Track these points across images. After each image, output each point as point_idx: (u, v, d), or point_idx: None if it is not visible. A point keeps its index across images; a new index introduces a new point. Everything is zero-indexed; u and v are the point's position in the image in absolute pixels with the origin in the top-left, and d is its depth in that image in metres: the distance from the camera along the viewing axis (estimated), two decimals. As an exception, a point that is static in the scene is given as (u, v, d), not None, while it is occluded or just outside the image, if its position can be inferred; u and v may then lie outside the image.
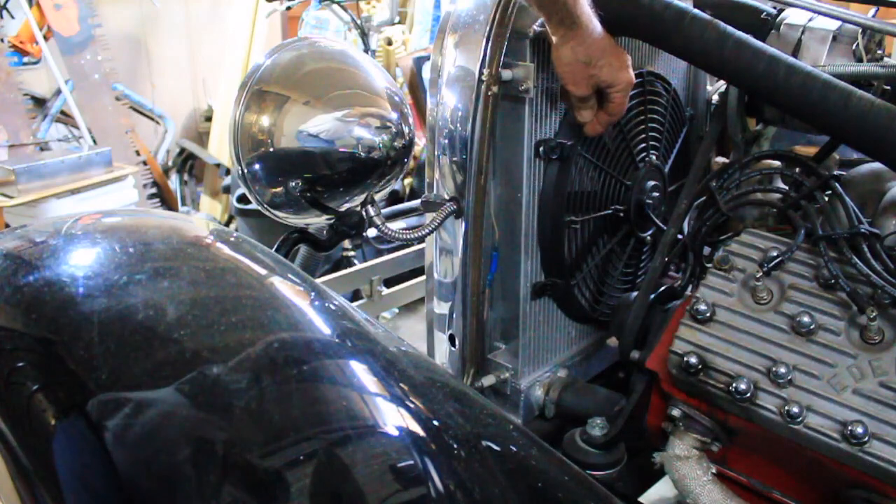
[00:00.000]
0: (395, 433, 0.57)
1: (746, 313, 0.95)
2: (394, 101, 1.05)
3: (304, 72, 1.03)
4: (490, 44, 1.07)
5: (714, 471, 1.00)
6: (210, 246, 0.76)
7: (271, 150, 0.99)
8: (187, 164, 4.76)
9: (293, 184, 1.01)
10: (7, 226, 2.75)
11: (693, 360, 0.94)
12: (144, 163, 3.82)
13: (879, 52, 1.13)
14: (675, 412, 1.01)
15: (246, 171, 1.02)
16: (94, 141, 3.64)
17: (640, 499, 1.14)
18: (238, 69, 4.57)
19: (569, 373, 1.27)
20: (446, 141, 1.13)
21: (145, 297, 0.64)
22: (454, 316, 1.20)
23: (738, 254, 0.99)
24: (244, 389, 0.57)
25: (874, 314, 0.87)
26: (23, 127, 3.33)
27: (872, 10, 1.43)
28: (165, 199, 4.03)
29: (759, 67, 0.94)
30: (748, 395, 0.90)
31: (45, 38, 3.62)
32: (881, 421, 0.84)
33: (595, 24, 0.99)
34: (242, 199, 3.46)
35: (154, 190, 3.91)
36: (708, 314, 0.96)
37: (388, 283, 2.35)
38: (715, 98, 1.33)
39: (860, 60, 1.10)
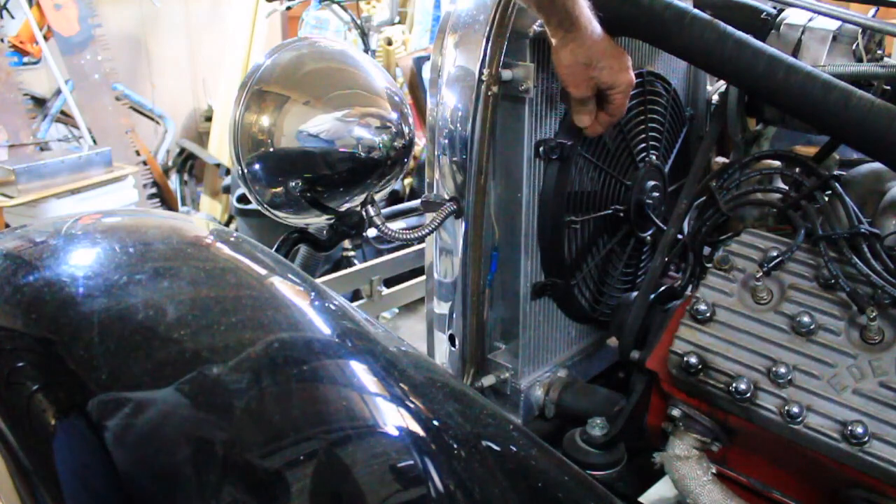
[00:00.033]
0: (395, 433, 0.57)
1: (746, 313, 0.95)
2: (394, 101, 1.05)
3: (304, 72, 1.03)
4: (490, 44, 1.07)
5: (714, 471, 1.00)
6: (210, 246, 0.76)
7: (271, 150, 0.99)
8: (187, 164, 4.76)
9: (293, 184, 1.01)
10: (7, 226, 2.75)
11: (693, 360, 0.94)
12: (144, 163, 3.82)
13: (879, 52, 1.13)
14: (675, 412, 1.01)
15: (246, 171, 1.02)
16: (94, 141, 3.64)
17: (640, 499, 1.14)
18: (238, 69, 4.57)
19: (569, 373, 1.27)
20: (446, 141, 1.13)
21: (145, 298, 0.64)
22: (454, 316, 1.20)
23: (738, 254, 0.99)
24: (244, 389, 0.57)
25: (874, 314, 0.87)
26: (23, 127, 3.33)
27: (872, 10, 1.43)
28: (165, 199, 4.03)
29: (759, 67, 0.94)
30: (748, 395, 0.90)
31: (45, 38, 3.62)
32: (881, 421, 0.84)
33: (594, 26, 0.99)
34: (242, 199, 3.46)
35: (154, 190, 3.91)
36: (708, 314, 0.96)
37: (388, 283, 2.35)
38: (715, 98, 1.33)
39: (860, 60, 1.10)
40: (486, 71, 1.07)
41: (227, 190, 4.21)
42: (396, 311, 3.05)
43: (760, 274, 0.94)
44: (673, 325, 1.00)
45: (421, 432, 0.58)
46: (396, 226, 1.25)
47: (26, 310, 0.64)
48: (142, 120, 4.36)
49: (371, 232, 1.13)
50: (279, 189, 1.03)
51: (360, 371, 0.62)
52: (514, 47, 1.08)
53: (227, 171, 4.36)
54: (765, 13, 1.15)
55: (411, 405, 0.60)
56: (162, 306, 0.63)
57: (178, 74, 4.95)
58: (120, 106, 3.84)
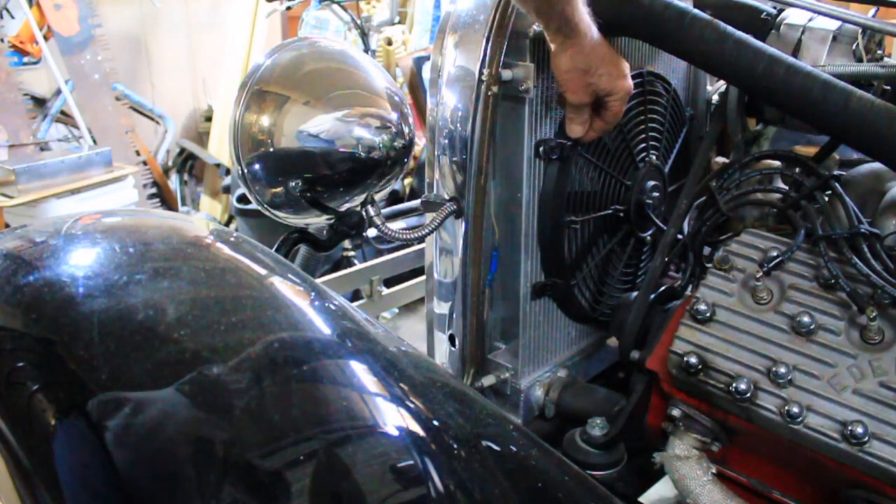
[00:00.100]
0: (395, 433, 0.57)
1: (746, 313, 0.95)
2: (394, 101, 1.05)
3: (304, 72, 1.03)
4: (490, 44, 1.07)
5: (714, 471, 1.00)
6: (210, 246, 0.76)
7: (271, 150, 0.99)
8: (187, 164, 4.76)
9: (293, 184, 1.01)
10: (7, 226, 2.75)
11: (693, 360, 0.94)
12: (144, 163, 3.82)
13: (879, 52, 1.13)
14: (675, 412, 1.01)
15: (246, 171, 1.02)
16: (94, 141, 3.64)
17: (640, 499, 1.14)
18: (238, 69, 4.57)
19: (569, 373, 1.27)
20: (446, 141, 1.13)
21: (145, 298, 0.64)
22: (454, 316, 1.20)
23: (738, 254, 0.99)
24: (244, 389, 0.57)
25: (874, 314, 0.87)
26: (23, 127, 3.33)
27: (872, 10, 1.43)
28: (165, 199, 4.03)
29: (759, 67, 0.94)
30: (748, 395, 0.90)
31: (45, 38, 3.62)
32: (881, 421, 0.84)
33: (594, 32, 0.99)
34: (242, 199, 3.46)
35: (154, 190, 3.92)
36: (708, 314, 0.96)
37: (388, 283, 2.35)
38: (715, 98, 1.33)
39: (860, 60, 1.10)
40: (486, 71, 1.07)
41: (227, 190, 4.21)
42: (396, 311, 3.05)
43: (760, 274, 0.94)
44: (673, 325, 1.00)
45: (421, 432, 0.58)
46: (396, 226, 1.25)
47: (26, 310, 0.64)
48: (142, 120, 4.37)
49: (371, 232, 1.13)
50: (279, 189, 1.03)
51: (360, 371, 0.62)
52: (514, 47, 1.08)
53: (227, 171, 4.36)
54: (765, 13, 1.15)
55: (411, 405, 0.60)
56: (162, 306, 0.63)
57: (178, 74, 4.95)
58: (120, 106, 3.84)
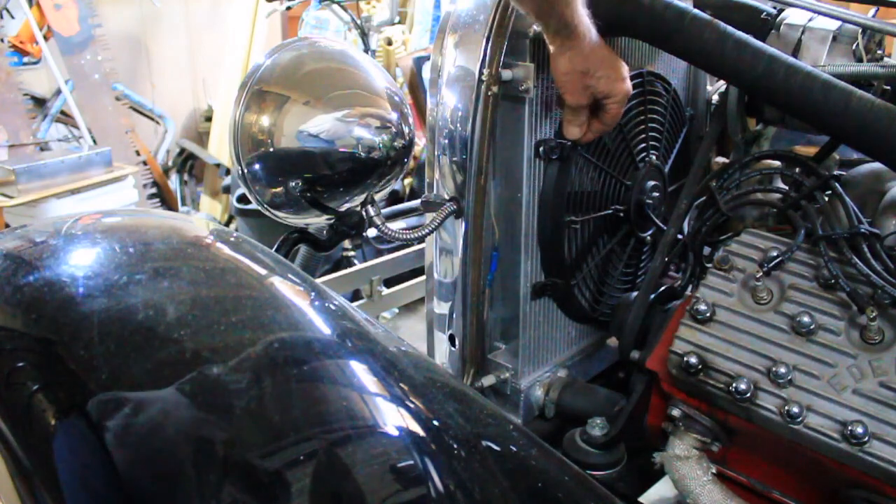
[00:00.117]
0: (395, 433, 0.57)
1: (746, 313, 0.95)
2: (394, 101, 1.05)
3: (304, 72, 1.03)
4: (490, 44, 1.07)
5: (714, 471, 1.00)
6: (210, 246, 0.76)
7: (271, 150, 0.99)
8: (187, 164, 4.76)
9: (293, 184, 1.01)
10: (7, 226, 2.75)
11: (693, 360, 0.94)
12: (144, 163, 3.82)
13: (879, 52, 1.13)
14: (675, 412, 1.01)
15: (246, 171, 1.02)
16: (94, 141, 3.64)
17: (640, 499, 1.14)
18: (238, 69, 4.57)
19: (569, 373, 1.27)
20: (446, 141, 1.13)
21: (145, 298, 0.64)
22: (454, 316, 1.20)
23: (738, 254, 0.99)
24: (244, 389, 0.57)
25: (874, 314, 0.87)
26: (23, 127, 3.33)
27: (872, 10, 1.43)
28: (165, 199, 4.03)
29: (759, 67, 0.94)
30: (748, 395, 0.90)
31: (45, 38, 3.62)
32: (881, 421, 0.84)
33: (593, 35, 0.99)
34: (242, 199, 3.46)
35: (154, 190, 3.92)
36: (708, 314, 0.96)
37: (388, 283, 2.35)
38: (715, 98, 1.33)
39: (860, 60, 1.10)
40: (486, 71, 1.07)
41: (227, 190, 4.21)
42: (396, 311, 3.05)
43: (760, 274, 0.94)
44: (673, 325, 1.00)
45: (421, 432, 0.58)
46: (396, 226, 1.25)
47: (26, 310, 0.64)
48: (142, 120, 4.37)
49: (371, 232, 1.13)
50: (279, 189, 1.03)
51: (360, 371, 0.62)
52: (514, 47, 1.08)
53: (227, 171, 4.35)
54: (765, 13, 1.15)
55: (411, 405, 0.60)
56: (162, 306, 0.63)
57: (178, 74, 4.95)
58: (120, 106, 3.84)
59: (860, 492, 0.89)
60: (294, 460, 0.54)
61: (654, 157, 1.29)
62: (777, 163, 1.11)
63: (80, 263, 0.69)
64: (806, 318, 0.91)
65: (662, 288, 1.14)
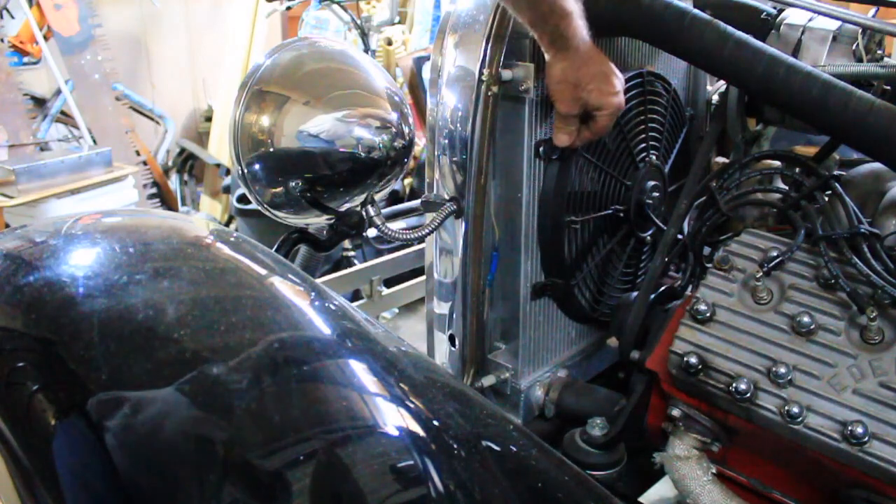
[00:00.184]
0: (396, 433, 0.57)
1: (746, 313, 0.95)
2: (394, 101, 1.05)
3: (304, 72, 1.03)
4: (490, 44, 1.07)
5: (714, 471, 1.00)
6: (210, 246, 0.76)
7: (271, 150, 0.99)
8: (187, 164, 4.76)
9: (293, 184, 1.01)
10: (7, 226, 2.75)
11: (693, 360, 0.94)
12: (144, 163, 3.82)
13: (879, 52, 1.13)
14: (675, 412, 1.01)
15: (246, 171, 1.02)
16: (94, 141, 3.64)
17: (640, 499, 1.14)
18: (238, 69, 4.57)
19: (569, 373, 1.27)
20: (446, 141, 1.13)
21: (145, 298, 0.64)
22: (454, 316, 1.20)
23: (738, 254, 0.99)
24: (244, 390, 0.57)
25: (874, 314, 0.87)
26: (23, 127, 3.32)
27: (872, 10, 1.43)
28: (165, 199, 4.03)
29: (759, 67, 0.94)
30: (748, 395, 0.90)
31: (45, 38, 3.62)
32: (881, 421, 0.84)
33: (588, 47, 0.99)
34: (242, 199, 3.46)
35: (154, 190, 3.91)
36: (708, 314, 0.96)
37: (388, 283, 2.35)
38: (715, 98, 1.33)
39: (860, 60, 1.10)
40: (486, 71, 1.07)
41: (227, 190, 4.21)
42: (396, 311, 3.05)
43: (760, 274, 0.94)
44: (673, 325, 1.00)
45: (421, 432, 0.58)
46: (396, 226, 1.25)
47: (26, 310, 0.64)
48: (142, 120, 4.36)
49: (371, 232, 1.13)
50: (279, 189, 1.03)
51: (360, 371, 0.62)
52: (514, 47, 1.08)
53: (227, 171, 4.35)
54: (765, 13, 1.15)
55: (411, 405, 0.60)
56: (162, 306, 0.63)
57: (178, 74, 4.95)
58: (120, 106, 3.83)
59: (860, 492, 0.89)
60: (294, 460, 0.54)
61: (654, 157, 1.29)
62: (777, 163, 1.11)
63: (80, 263, 0.69)
64: (806, 318, 0.91)
65: (662, 288, 1.14)
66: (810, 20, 1.12)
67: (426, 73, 2.99)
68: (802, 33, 1.11)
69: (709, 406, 0.97)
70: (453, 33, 1.11)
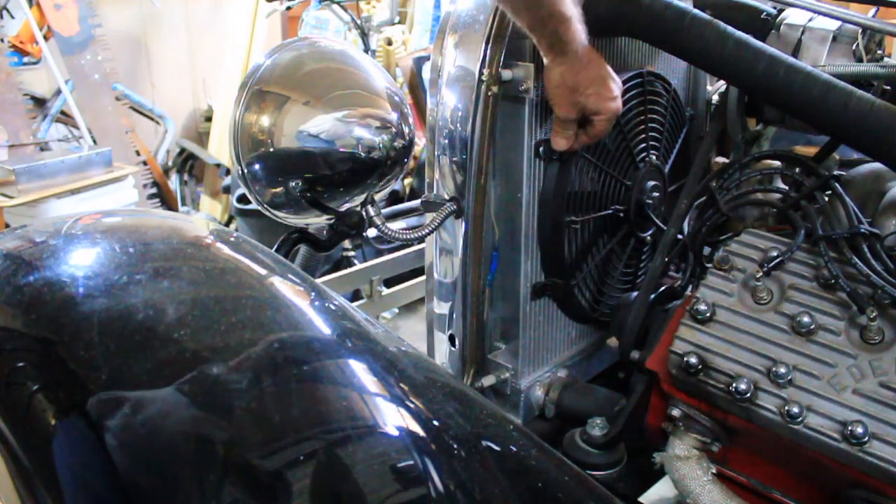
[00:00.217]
0: (396, 433, 0.57)
1: (746, 313, 0.95)
2: (394, 101, 1.05)
3: (304, 72, 1.03)
4: (490, 44, 1.07)
5: (714, 471, 1.00)
6: (210, 246, 0.76)
7: (271, 150, 0.99)
8: (187, 164, 4.76)
9: (293, 184, 1.01)
10: (7, 226, 2.75)
11: (693, 360, 0.94)
12: (144, 163, 3.82)
13: (879, 52, 1.13)
14: (675, 412, 1.01)
15: (246, 171, 1.02)
16: (94, 141, 3.64)
17: (640, 499, 1.14)
18: (238, 69, 4.57)
19: (569, 373, 1.27)
20: (446, 141, 1.13)
21: (145, 298, 0.64)
22: (454, 316, 1.20)
23: (738, 254, 0.99)
24: (244, 390, 0.57)
25: (874, 314, 0.87)
26: (23, 127, 3.32)
27: (872, 10, 1.43)
28: (165, 199, 4.03)
29: (759, 67, 0.94)
30: (748, 395, 0.90)
31: (45, 38, 3.62)
32: (881, 421, 0.84)
33: (586, 51, 1.00)
34: (242, 199, 3.46)
35: (154, 190, 3.91)
36: (708, 314, 0.96)
37: (388, 283, 2.35)
38: (715, 98, 1.33)
39: (860, 60, 1.10)
40: (486, 71, 1.07)
41: (227, 190, 4.21)
42: (396, 311, 3.05)
43: (760, 274, 0.94)
44: (673, 325, 1.00)
45: (421, 432, 0.58)
46: (396, 226, 1.25)
47: (26, 310, 0.64)
48: (142, 120, 4.36)
49: (371, 232, 1.13)
50: (279, 189, 1.03)
51: (361, 371, 0.62)
52: (514, 47, 1.08)
53: (227, 171, 4.35)
54: (765, 13, 1.15)
55: (411, 405, 0.60)
56: (162, 306, 0.63)
57: (178, 74, 4.95)
58: (120, 106, 3.83)
59: (860, 492, 0.89)
60: (294, 460, 0.54)
61: (654, 157, 1.29)
62: (777, 163, 1.11)
63: (80, 263, 0.69)
64: (806, 318, 0.91)
65: (662, 288, 1.14)
66: (810, 20, 1.11)
67: (426, 73, 2.99)
68: (802, 33, 1.11)
69: (709, 406, 0.97)
70: (453, 33, 1.11)
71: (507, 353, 1.23)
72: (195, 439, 0.54)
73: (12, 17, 3.64)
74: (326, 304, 0.69)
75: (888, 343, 0.88)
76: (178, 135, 4.76)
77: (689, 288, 1.13)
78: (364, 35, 4.00)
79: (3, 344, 0.64)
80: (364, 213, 1.09)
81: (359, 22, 4.03)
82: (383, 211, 1.89)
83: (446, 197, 1.15)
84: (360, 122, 1.01)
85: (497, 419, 0.64)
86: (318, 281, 0.81)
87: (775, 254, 0.95)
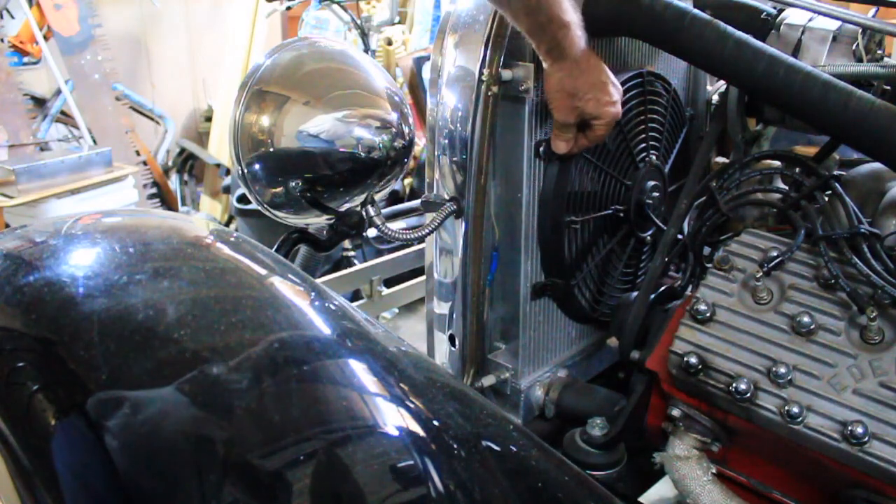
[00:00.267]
0: (396, 433, 0.57)
1: (746, 313, 0.95)
2: (394, 101, 1.05)
3: (304, 72, 1.03)
4: (490, 44, 1.07)
5: (714, 471, 1.00)
6: (210, 246, 0.76)
7: (271, 150, 0.99)
8: (187, 164, 4.76)
9: (293, 184, 1.01)
10: (7, 226, 2.75)
11: (693, 360, 0.94)
12: (144, 163, 3.82)
13: (879, 52, 1.13)
14: (675, 412, 1.01)
15: (246, 171, 1.02)
16: (94, 141, 3.64)
17: (640, 499, 1.14)
18: (238, 69, 4.57)
19: (569, 373, 1.27)
20: (446, 141, 1.13)
21: (145, 298, 0.64)
22: (454, 316, 1.20)
23: (738, 254, 0.99)
24: (244, 389, 0.57)
25: (874, 314, 0.87)
26: (23, 127, 3.33)
27: (872, 10, 1.43)
28: (165, 199, 4.03)
29: (759, 67, 0.94)
30: (748, 395, 0.90)
31: (45, 38, 3.62)
32: (881, 421, 0.84)
33: (586, 57, 1.00)
34: (242, 199, 3.46)
35: (154, 190, 3.91)
36: (708, 314, 0.96)
37: (388, 283, 2.35)
38: (715, 98, 1.33)
39: (860, 60, 1.10)
40: (486, 71, 1.07)
41: (227, 190, 4.21)
42: (396, 311, 3.05)
43: (760, 274, 0.94)
44: (673, 325, 1.00)
45: (421, 432, 0.58)
46: (396, 226, 1.25)
47: (26, 310, 0.64)
48: (142, 120, 4.36)
49: (371, 232, 1.13)
50: (279, 189, 1.03)
51: (360, 371, 0.62)
52: (514, 47, 1.08)
53: (227, 171, 4.36)
54: (765, 13, 1.15)
55: (411, 405, 0.60)
56: (162, 306, 0.63)
57: (178, 74, 4.95)
58: (120, 106, 3.84)
59: (860, 492, 0.89)
60: (294, 460, 0.54)
61: (654, 157, 1.29)
62: (777, 163, 1.11)
63: (80, 263, 0.69)
64: (806, 318, 0.91)
65: (662, 288, 1.14)
66: (810, 20, 1.12)
67: (426, 73, 2.99)
68: (802, 33, 1.11)
69: (709, 406, 0.97)
70: (453, 33, 1.11)
71: (507, 353, 1.23)
72: (195, 439, 0.54)
73: (12, 17, 3.64)
74: (326, 304, 0.69)
75: (888, 343, 0.88)
76: (178, 135, 4.76)
77: (689, 288, 1.13)
78: (364, 35, 4.00)
79: (3, 344, 0.64)
80: (364, 213, 1.09)
81: (359, 22, 4.03)
82: (383, 211, 1.89)
83: (446, 197, 1.15)
84: (360, 122, 1.01)
85: (497, 419, 0.64)
86: (318, 281, 0.81)
87: (775, 254, 0.95)
